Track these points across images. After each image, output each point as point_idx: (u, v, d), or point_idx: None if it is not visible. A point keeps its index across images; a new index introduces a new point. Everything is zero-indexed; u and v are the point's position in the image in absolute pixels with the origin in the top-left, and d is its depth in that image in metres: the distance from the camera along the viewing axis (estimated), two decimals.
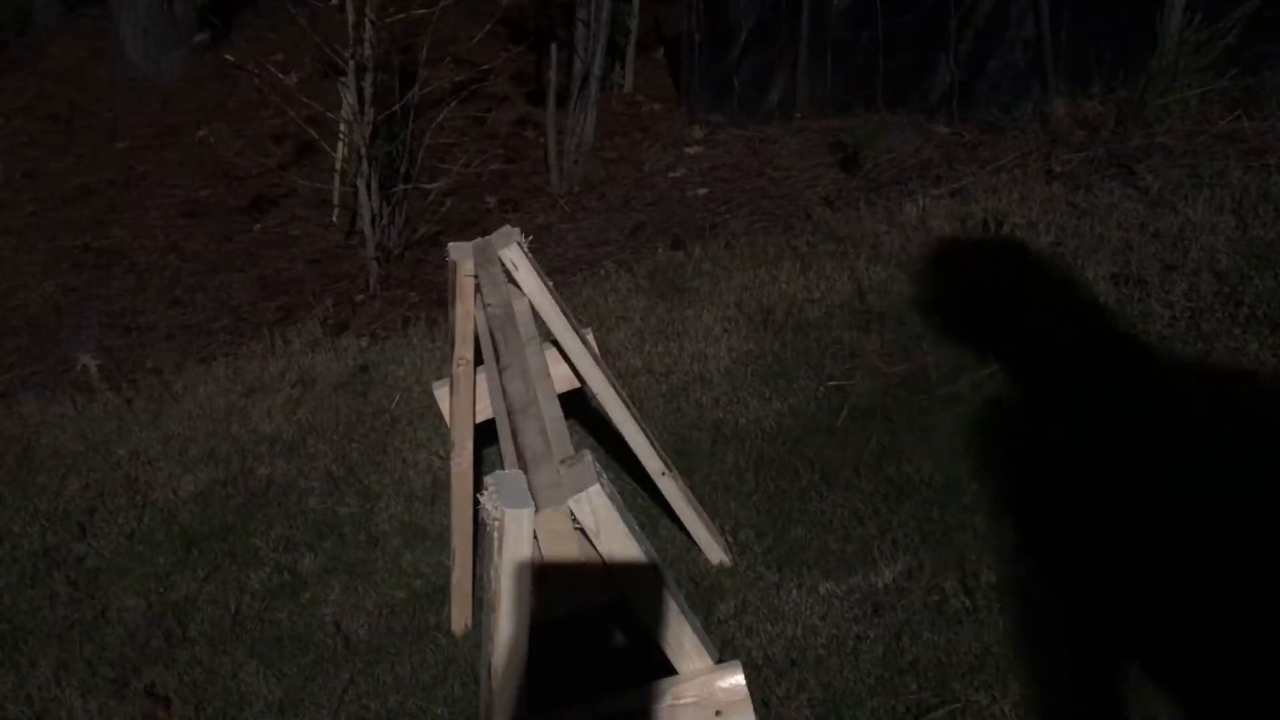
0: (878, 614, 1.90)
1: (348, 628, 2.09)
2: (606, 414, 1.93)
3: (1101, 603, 1.86)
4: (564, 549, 1.15)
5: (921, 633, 1.85)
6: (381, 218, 3.46)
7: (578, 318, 1.90)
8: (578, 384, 1.91)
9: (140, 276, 3.75)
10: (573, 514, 1.13)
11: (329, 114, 3.64)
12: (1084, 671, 1.74)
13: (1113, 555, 1.96)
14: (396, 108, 3.50)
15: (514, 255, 1.76)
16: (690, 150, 4.23)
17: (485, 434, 1.86)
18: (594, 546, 1.16)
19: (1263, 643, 1.72)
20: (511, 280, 1.76)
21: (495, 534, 1.13)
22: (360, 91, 3.34)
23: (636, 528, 1.21)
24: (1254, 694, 1.65)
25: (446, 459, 2.14)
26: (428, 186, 3.72)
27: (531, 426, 1.29)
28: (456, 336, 1.82)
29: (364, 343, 3.12)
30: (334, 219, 3.92)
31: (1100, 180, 3.26)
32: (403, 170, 3.57)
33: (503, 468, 1.27)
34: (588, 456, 1.17)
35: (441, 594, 2.11)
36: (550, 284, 1.81)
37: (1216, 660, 1.73)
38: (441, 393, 2.01)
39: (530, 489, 1.15)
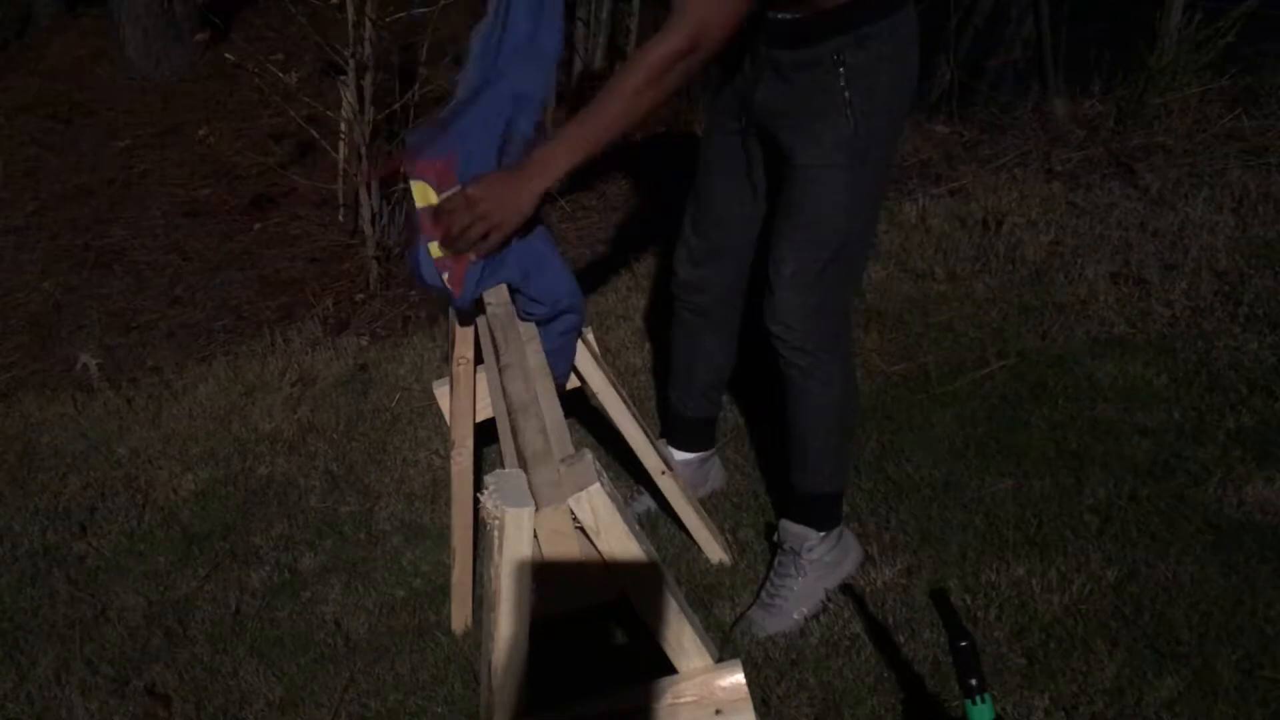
0: (877, 613, 1.90)
1: (348, 626, 2.09)
2: (606, 414, 1.93)
3: (1104, 602, 1.87)
4: (564, 548, 1.15)
5: (922, 632, 1.85)
6: (381, 217, 3.45)
7: None
8: (578, 384, 1.91)
9: (140, 276, 3.75)
10: (573, 513, 1.14)
11: (329, 113, 3.64)
12: (1085, 669, 1.75)
13: (1114, 556, 1.96)
14: (396, 107, 3.50)
15: None
16: None
17: (485, 433, 1.86)
18: (594, 546, 1.16)
19: None
20: None
21: (495, 533, 1.13)
22: (360, 91, 3.34)
23: (636, 527, 1.21)
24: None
25: (447, 458, 2.14)
26: None
27: (531, 426, 1.29)
28: (456, 336, 1.82)
29: (364, 342, 3.12)
30: (340, 218, 3.91)
31: (1100, 179, 3.27)
32: (403, 169, 3.57)
33: (503, 467, 1.27)
34: (588, 456, 1.18)
35: (441, 593, 2.11)
36: None
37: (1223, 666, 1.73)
38: (441, 392, 2.01)
39: (530, 488, 1.15)
